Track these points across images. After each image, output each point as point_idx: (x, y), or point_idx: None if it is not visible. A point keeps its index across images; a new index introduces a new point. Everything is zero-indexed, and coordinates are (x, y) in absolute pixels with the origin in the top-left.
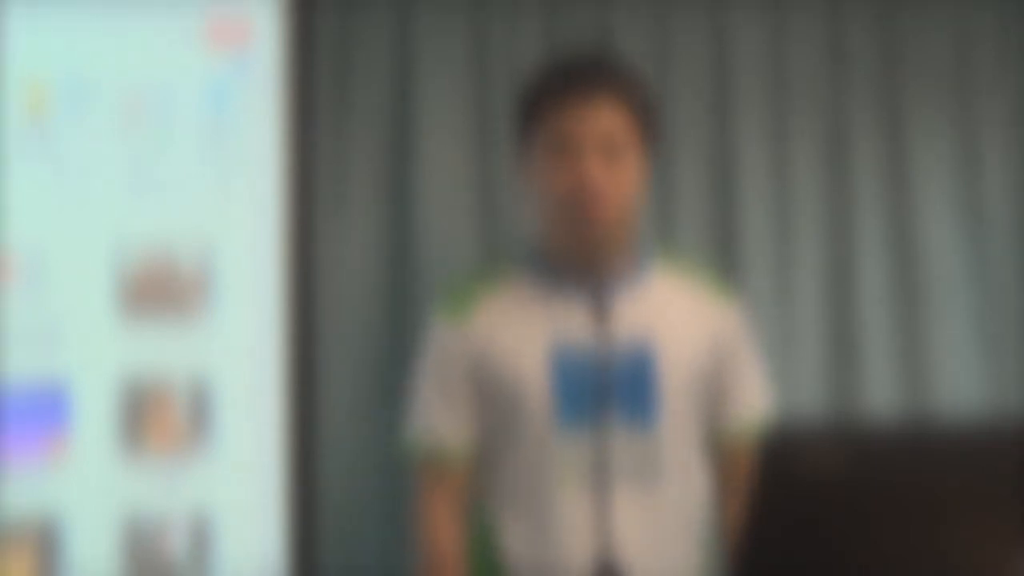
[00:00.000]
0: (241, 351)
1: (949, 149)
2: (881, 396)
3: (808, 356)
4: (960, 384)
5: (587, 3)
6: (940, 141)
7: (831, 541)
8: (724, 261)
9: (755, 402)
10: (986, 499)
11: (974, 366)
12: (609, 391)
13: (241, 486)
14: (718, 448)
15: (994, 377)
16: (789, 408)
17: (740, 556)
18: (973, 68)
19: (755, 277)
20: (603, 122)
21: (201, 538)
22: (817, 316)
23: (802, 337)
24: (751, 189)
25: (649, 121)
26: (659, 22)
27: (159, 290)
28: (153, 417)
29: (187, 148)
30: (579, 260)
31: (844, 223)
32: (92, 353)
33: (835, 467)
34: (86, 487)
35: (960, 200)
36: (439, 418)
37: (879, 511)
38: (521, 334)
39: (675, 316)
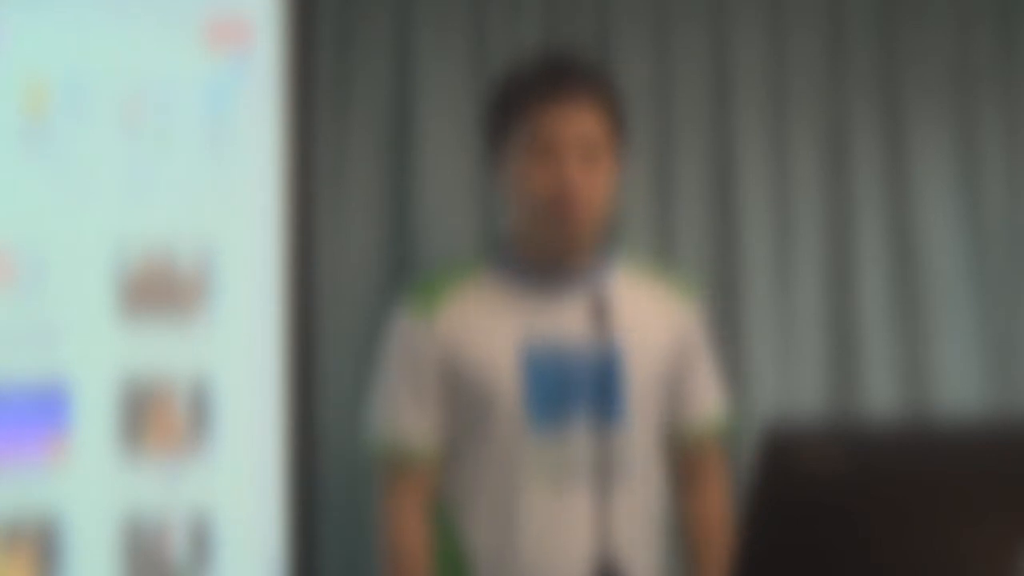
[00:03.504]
0: (241, 351)
1: (949, 149)
2: (881, 396)
3: (808, 356)
4: (960, 384)
5: (587, 3)
6: (940, 142)
7: (831, 540)
8: (724, 262)
9: (713, 402)
10: (986, 499)
11: (974, 366)
12: (579, 390)
13: (241, 486)
14: (677, 448)
15: (994, 377)
16: (789, 408)
17: (740, 555)
18: (973, 68)
19: (755, 277)
20: (582, 125)
21: (201, 538)
22: (817, 316)
23: (802, 336)
24: (751, 190)
25: (621, 123)
26: (659, 22)
27: (159, 290)
28: (153, 417)
29: (187, 148)
30: (552, 259)
31: (844, 223)
32: (92, 353)
33: (835, 467)
34: (86, 487)
35: (960, 201)
36: (405, 416)
37: (879, 511)
38: (491, 331)
39: (640, 315)
